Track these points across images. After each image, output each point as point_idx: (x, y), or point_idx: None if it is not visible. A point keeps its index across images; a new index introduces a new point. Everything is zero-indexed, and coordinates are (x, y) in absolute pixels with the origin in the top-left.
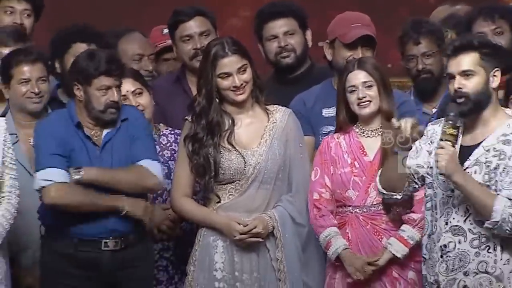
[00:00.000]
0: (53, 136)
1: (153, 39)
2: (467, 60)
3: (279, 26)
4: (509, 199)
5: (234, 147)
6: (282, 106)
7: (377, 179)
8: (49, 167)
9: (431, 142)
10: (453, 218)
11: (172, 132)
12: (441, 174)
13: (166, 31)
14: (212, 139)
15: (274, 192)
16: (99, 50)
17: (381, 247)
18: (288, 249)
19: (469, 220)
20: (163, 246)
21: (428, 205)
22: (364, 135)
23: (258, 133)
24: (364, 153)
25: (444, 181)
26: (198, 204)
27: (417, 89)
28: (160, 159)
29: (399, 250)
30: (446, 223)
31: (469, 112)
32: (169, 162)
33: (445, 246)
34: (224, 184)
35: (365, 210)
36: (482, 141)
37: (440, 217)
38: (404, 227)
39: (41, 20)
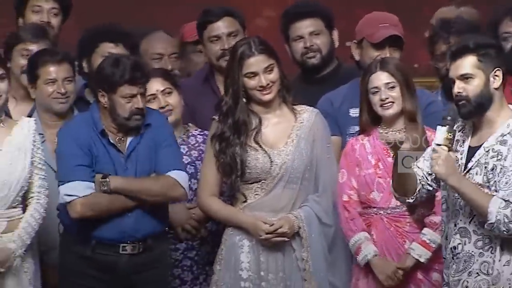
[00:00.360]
0: (78, 144)
1: (187, 32)
2: (465, 64)
3: (305, 26)
4: (504, 200)
5: (261, 147)
6: (309, 106)
7: (391, 182)
8: (73, 181)
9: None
10: (460, 220)
11: (201, 133)
12: (436, 178)
13: None
14: (239, 138)
15: (300, 192)
16: (124, 57)
17: (405, 250)
18: (314, 249)
19: (474, 222)
20: (187, 245)
21: (443, 206)
22: (387, 136)
23: (285, 133)
24: (388, 154)
25: None
26: (225, 203)
27: (445, 89)
28: (187, 159)
29: (422, 254)
30: (455, 225)
31: (470, 114)
32: (196, 162)
33: (454, 248)
34: (251, 183)
35: (389, 212)
36: (483, 142)
37: (451, 219)
38: (425, 230)
39: (72, 19)
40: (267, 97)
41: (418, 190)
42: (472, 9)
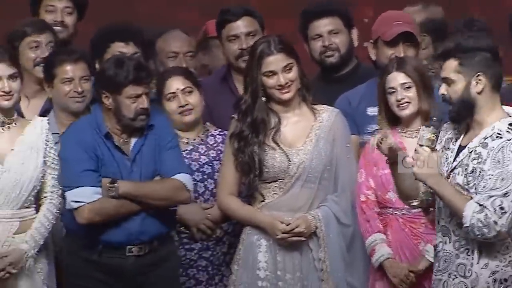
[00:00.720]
0: (83, 147)
1: (211, 26)
2: (446, 67)
3: (323, 25)
4: (479, 204)
5: (279, 146)
6: (328, 105)
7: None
8: (80, 187)
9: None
10: (442, 218)
11: (221, 133)
12: (416, 179)
13: None
14: (257, 137)
15: (319, 191)
16: (127, 57)
17: (419, 252)
18: (331, 249)
19: (453, 222)
20: (202, 246)
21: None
22: (406, 136)
23: (304, 132)
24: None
25: None
26: (243, 202)
27: None
28: (205, 159)
29: None
30: (438, 223)
31: (457, 117)
32: (214, 162)
33: (436, 246)
34: (269, 183)
35: (404, 212)
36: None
37: (436, 217)
38: None
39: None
40: (286, 96)
41: (423, 193)
42: (437, 7)
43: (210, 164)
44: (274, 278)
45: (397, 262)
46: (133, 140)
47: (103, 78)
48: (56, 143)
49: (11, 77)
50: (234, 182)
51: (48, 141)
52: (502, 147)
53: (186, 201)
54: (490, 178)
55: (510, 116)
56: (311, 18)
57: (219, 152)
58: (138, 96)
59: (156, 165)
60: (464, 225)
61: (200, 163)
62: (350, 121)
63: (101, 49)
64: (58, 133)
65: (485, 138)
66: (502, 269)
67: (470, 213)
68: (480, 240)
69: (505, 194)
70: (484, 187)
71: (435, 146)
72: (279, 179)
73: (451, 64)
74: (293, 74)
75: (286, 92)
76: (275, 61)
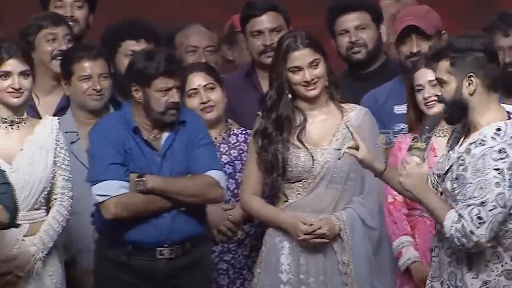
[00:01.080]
0: (110, 142)
1: (237, 20)
2: (439, 68)
3: (350, 20)
4: (459, 214)
5: (304, 144)
6: (355, 102)
7: None
8: (106, 180)
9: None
10: (437, 223)
11: (244, 132)
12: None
13: None
14: (281, 134)
15: (344, 192)
16: (158, 50)
17: None
18: (356, 253)
19: None
20: (223, 248)
21: None
22: (434, 135)
23: (330, 131)
24: (434, 153)
25: (433, 185)
26: (266, 202)
27: (501, 82)
28: (226, 158)
29: None
30: (435, 227)
31: (451, 118)
32: (235, 161)
33: (432, 249)
34: (292, 183)
35: None
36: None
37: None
38: None
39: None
40: (312, 93)
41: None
42: (413, 1)
43: (232, 164)
44: (297, 281)
45: (424, 266)
46: (164, 136)
47: (132, 70)
48: (72, 142)
49: (22, 74)
50: (257, 181)
51: (58, 141)
52: (484, 154)
53: (219, 199)
54: (469, 187)
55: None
56: (337, 13)
57: (241, 151)
58: (169, 89)
59: (187, 162)
60: (445, 235)
61: (221, 162)
62: (376, 119)
63: (112, 50)
64: (76, 132)
65: (469, 143)
66: (494, 278)
67: (449, 223)
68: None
69: (482, 203)
70: (464, 195)
71: (425, 155)
72: (303, 179)
73: (443, 65)
74: (319, 70)
75: (312, 89)
76: (301, 56)
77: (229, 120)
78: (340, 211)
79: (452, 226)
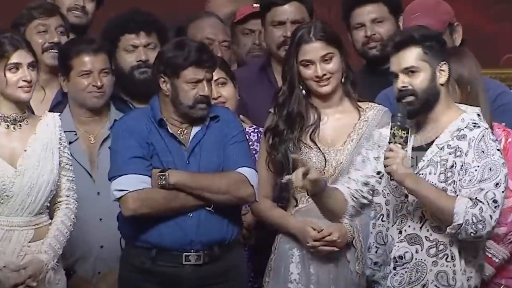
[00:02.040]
0: (132, 134)
1: (238, 13)
2: (409, 56)
3: (366, 12)
4: (471, 198)
5: (316, 144)
6: (372, 99)
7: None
8: (125, 175)
9: (378, 146)
10: (409, 226)
11: (256, 130)
12: (391, 179)
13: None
14: (292, 132)
15: None
16: (188, 39)
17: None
18: None
19: (425, 227)
20: None
21: (377, 215)
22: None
23: (345, 131)
24: None
25: (396, 187)
26: (275, 206)
27: None
28: None
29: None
30: (400, 232)
31: (418, 112)
32: None
33: (400, 257)
34: None
35: None
36: (434, 140)
37: (393, 225)
38: (488, 243)
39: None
40: (324, 90)
41: (350, 207)
42: None
43: None
44: None
45: None
46: (193, 131)
47: (161, 60)
48: (70, 142)
49: (31, 65)
50: (268, 183)
51: (61, 139)
52: (483, 135)
53: (249, 198)
54: (476, 170)
55: (465, 112)
56: (353, 5)
57: (254, 151)
58: (199, 81)
59: (218, 159)
60: (456, 223)
61: None
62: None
63: (112, 45)
64: (74, 131)
65: (459, 130)
66: (474, 275)
67: (463, 209)
68: (460, 244)
69: (497, 185)
70: (470, 180)
71: (407, 144)
72: None
73: (415, 52)
74: (333, 65)
75: (325, 85)
76: (313, 49)
77: (241, 117)
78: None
79: (467, 212)
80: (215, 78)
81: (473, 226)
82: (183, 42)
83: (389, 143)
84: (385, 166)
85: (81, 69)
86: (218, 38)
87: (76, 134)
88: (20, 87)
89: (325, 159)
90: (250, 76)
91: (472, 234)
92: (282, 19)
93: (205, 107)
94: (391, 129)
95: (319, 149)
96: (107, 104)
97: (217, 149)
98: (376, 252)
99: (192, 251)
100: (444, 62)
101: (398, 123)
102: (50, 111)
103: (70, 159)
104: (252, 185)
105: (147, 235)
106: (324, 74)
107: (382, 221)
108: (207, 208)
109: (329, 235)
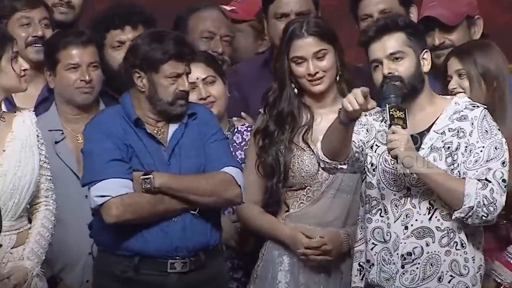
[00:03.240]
0: (108, 136)
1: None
2: (393, 41)
3: (374, 3)
4: (479, 180)
5: (309, 146)
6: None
7: (319, 145)
8: (105, 179)
9: (367, 130)
10: (416, 220)
11: (249, 128)
12: (397, 163)
13: None
14: (283, 133)
15: (355, 203)
16: (165, 31)
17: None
18: None
19: (436, 217)
20: (232, 265)
21: (372, 209)
22: None
23: None
24: None
25: (395, 180)
26: (264, 212)
27: None
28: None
29: (505, 276)
30: (406, 227)
31: (405, 97)
32: (243, 165)
33: (409, 253)
34: (295, 190)
35: None
36: (429, 128)
37: (395, 221)
38: (511, 248)
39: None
40: (317, 88)
41: (351, 156)
42: None
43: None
44: None
45: None
46: (171, 129)
47: (135, 53)
48: (56, 142)
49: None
50: (257, 187)
51: (38, 136)
52: (485, 115)
53: (237, 199)
54: (482, 151)
55: (453, 98)
56: None
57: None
58: (179, 75)
59: (199, 159)
60: (467, 206)
61: None
62: None
63: (98, 43)
64: (61, 130)
65: (459, 112)
66: (483, 263)
67: (473, 190)
68: (468, 230)
69: (503, 164)
70: (476, 161)
71: (406, 125)
72: (307, 186)
73: (399, 38)
74: (326, 63)
75: (317, 84)
76: (305, 45)
77: (242, 114)
78: (351, 226)
79: (478, 194)
80: (203, 76)
81: (485, 208)
82: (160, 34)
83: (390, 125)
84: (389, 149)
85: (68, 62)
86: (220, 32)
87: (63, 133)
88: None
89: (319, 163)
90: (252, 71)
91: (483, 218)
92: (286, 11)
93: (184, 103)
94: (388, 111)
95: (312, 151)
96: (96, 100)
97: (197, 148)
98: (372, 249)
99: (178, 258)
100: (426, 50)
101: (394, 104)
102: (35, 108)
103: (46, 156)
104: (239, 185)
105: (129, 242)
106: (317, 72)
107: (381, 216)
108: (192, 212)
109: (323, 245)
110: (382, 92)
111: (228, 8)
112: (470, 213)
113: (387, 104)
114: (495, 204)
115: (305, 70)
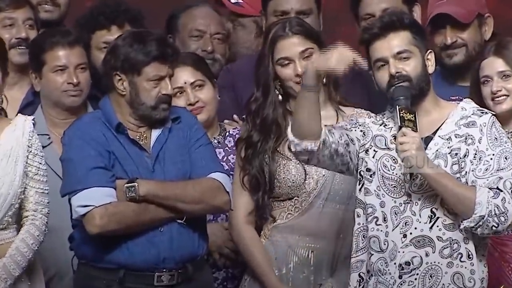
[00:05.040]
0: (89, 143)
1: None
2: (400, 40)
3: (376, 2)
4: (491, 188)
5: None
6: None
7: (289, 129)
8: (87, 188)
9: (363, 133)
10: (415, 228)
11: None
12: (409, 166)
13: None
14: (267, 142)
15: (348, 213)
16: (146, 31)
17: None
18: None
19: (437, 226)
20: (227, 274)
21: (369, 218)
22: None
23: None
24: None
25: (395, 187)
26: (259, 241)
27: None
28: (224, 166)
29: None
30: (405, 236)
31: (413, 99)
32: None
33: (407, 263)
34: (282, 201)
35: None
36: (434, 133)
37: (394, 229)
38: None
39: None
40: None
41: (325, 134)
42: None
43: (231, 172)
44: None
45: None
46: (154, 135)
47: (115, 55)
48: (44, 147)
49: None
50: (248, 201)
51: (31, 147)
52: (493, 122)
53: (225, 206)
54: (491, 159)
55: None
56: None
57: None
58: (161, 78)
59: (184, 165)
60: (478, 214)
61: None
62: None
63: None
64: (47, 135)
65: (466, 117)
66: (486, 275)
67: (485, 199)
68: (475, 242)
69: None
70: (487, 169)
71: (417, 128)
72: (294, 197)
73: (405, 36)
74: None
75: None
76: (291, 45)
77: (234, 116)
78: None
79: (489, 203)
80: (191, 80)
81: (496, 218)
82: (142, 35)
83: (400, 127)
84: (399, 152)
85: (55, 64)
86: (209, 30)
87: (49, 138)
88: None
89: (305, 172)
90: (246, 71)
91: (493, 228)
92: (286, 9)
93: (167, 107)
94: (399, 113)
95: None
96: (84, 104)
97: (182, 154)
98: (370, 258)
99: (165, 270)
100: (431, 50)
101: (404, 106)
102: (19, 111)
103: (42, 169)
104: (227, 192)
105: (113, 255)
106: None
107: (377, 224)
108: (179, 221)
109: None
110: (391, 94)
111: (232, 0)
112: (480, 223)
113: (397, 106)
114: (506, 214)
115: (292, 72)
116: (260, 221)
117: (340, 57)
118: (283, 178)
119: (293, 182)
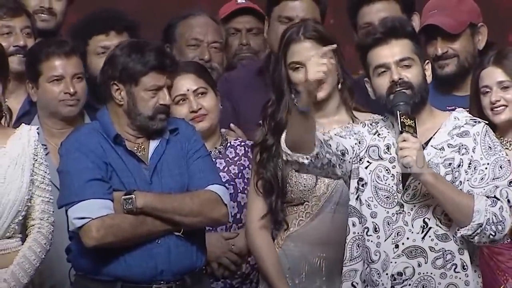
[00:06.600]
0: (86, 155)
1: (221, 10)
2: (403, 47)
3: (375, 11)
4: (488, 197)
5: None
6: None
7: (283, 136)
8: (83, 200)
9: (359, 142)
10: (407, 238)
11: (243, 143)
12: (409, 172)
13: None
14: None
15: None
16: (144, 41)
17: None
18: None
19: (429, 236)
20: (225, 285)
21: (356, 228)
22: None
23: None
24: None
25: (387, 197)
26: (274, 248)
27: None
28: (225, 176)
29: None
30: (397, 246)
31: (414, 108)
32: (236, 180)
33: (399, 274)
34: (295, 205)
35: None
36: (426, 142)
37: (386, 240)
38: None
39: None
40: (318, 96)
41: (317, 147)
42: None
43: (232, 183)
44: None
45: None
46: (151, 146)
47: (113, 65)
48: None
49: None
50: (264, 206)
51: (36, 155)
52: (487, 131)
53: (223, 219)
54: (486, 168)
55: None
56: (360, 2)
57: (242, 167)
58: (159, 88)
59: (182, 177)
60: (476, 222)
61: None
62: None
63: (81, 50)
64: (44, 145)
65: (458, 127)
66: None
67: (483, 207)
68: (470, 252)
69: (510, 183)
70: (482, 179)
71: (417, 134)
72: (306, 201)
73: (407, 44)
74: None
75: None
76: (303, 50)
77: (232, 126)
78: None
79: (487, 211)
80: (193, 88)
81: (493, 226)
82: (140, 45)
83: (401, 132)
84: (400, 157)
85: (52, 74)
86: (206, 38)
87: (46, 148)
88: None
89: (316, 176)
90: (244, 80)
91: (491, 236)
92: (291, 15)
93: (165, 117)
94: (399, 118)
95: None
96: (81, 113)
97: (180, 165)
98: (366, 268)
99: (162, 282)
100: (428, 61)
101: (404, 111)
102: (16, 121)
103: (47, 178)
104: (225, 204)
105: (111, 267)
106: None
107: (367, 235)
108: (176, 234)
109: None
110: (391, 100)
111: None
112: (478, 231)
113: (398, 111)
114: (503, 223)
115: (303, 76)
116: (275, 226)
117: (313, 66)
118: (295, 182)
119: (305, 186)
